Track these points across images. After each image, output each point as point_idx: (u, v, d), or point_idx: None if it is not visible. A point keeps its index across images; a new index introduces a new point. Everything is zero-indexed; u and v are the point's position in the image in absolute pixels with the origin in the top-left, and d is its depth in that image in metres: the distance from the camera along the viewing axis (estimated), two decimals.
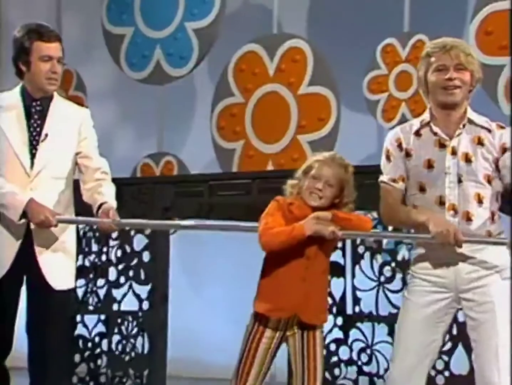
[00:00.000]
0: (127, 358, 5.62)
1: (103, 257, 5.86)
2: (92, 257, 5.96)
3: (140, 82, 7.93)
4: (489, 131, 3.62)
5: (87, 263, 6.03)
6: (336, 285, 5.57)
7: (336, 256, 5.37)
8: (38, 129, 4.19)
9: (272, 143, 7.19)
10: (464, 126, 3.63)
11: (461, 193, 3.58)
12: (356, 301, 5.45)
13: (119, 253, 5.76)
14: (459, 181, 3.58)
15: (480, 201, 3.57)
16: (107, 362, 5.85)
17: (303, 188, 3.82)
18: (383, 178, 3.69)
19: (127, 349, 5.62)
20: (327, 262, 3.85)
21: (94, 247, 5.95)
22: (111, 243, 5.89)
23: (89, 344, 6.27)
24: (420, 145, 3.65)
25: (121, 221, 4.08)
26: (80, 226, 6.06)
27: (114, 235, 5.90)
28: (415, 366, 3.58)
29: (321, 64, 7.04)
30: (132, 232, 5.73)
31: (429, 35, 6.70)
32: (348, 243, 5.39)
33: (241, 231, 4.18)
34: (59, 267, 4.15)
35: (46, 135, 4.17)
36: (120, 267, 5.78)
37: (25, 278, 4.17)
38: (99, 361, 6.21)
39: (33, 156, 4.16)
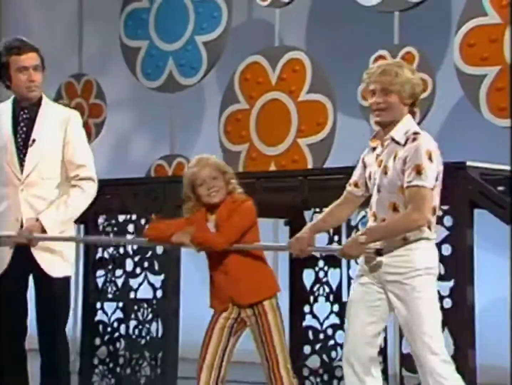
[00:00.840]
0: (143, 341, 5.62)
1: (121, 250, 5.87)
2: (110, 250, 5.97)
3: (154, 91, 7.94)
4: (403, 145, 3.61)
5: (106, 255, 6.04)
6: (333, 275, 5.57)
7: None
8: (25, 135, 4.20)
9: (274, 145, 7.20)
10: (388, 142, 3.65)
11: (379, 202, 3.64)
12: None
13: (135, 246, 5.76)
14: (378, 191, 3.64)
15: (395, 209, 3.59)
16: (125, 345, 5.86)
17: (202, 198, 3.93)
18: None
19: (143, 333, 5.63)
20: (243, 253, 3.93)
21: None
22: (128, 236, 5.90)
23: (109, 329, 6.28)
24: (369, 158, 3.74)
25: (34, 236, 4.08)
26: (100, 221, 6.08)
27: (131, 229, 5.91)
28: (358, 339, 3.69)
29: (319, 73, 7.05)
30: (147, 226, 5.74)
31: (417, 47, 6.71)
32: (344, 237, 5.40)
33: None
34: (54, 258, 4.17)
35: (34, 140, 4.18)
36: (136, 259, 5.79)
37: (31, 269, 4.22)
38: (117, 344, 6.22)
39: (22, 160, 4.17)
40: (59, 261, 4.19)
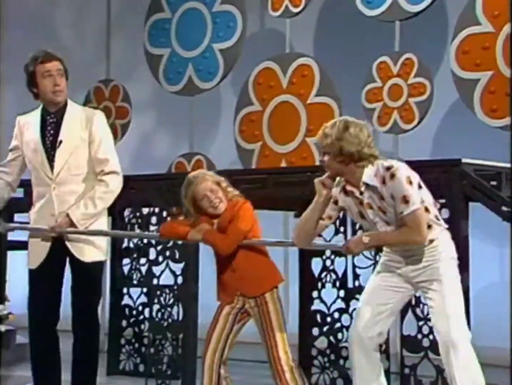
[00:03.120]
0: (165, 324, 5.61)
1: (145, 240, 5.85)
2: (135, 240, 5.96)
3: (175, 94, 7.92)
4: (383, 183, 3.56)
5: (131, 245, 6.03)
6: (339, 264, 5.55)
7: (339, 240, 5.35)
8: (53, 138, 4.21)
9: (285, 144, 7.17)
10: (363, 187, 3.61)
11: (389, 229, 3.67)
12: (356, 276, 5.42)
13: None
14: (387, 224, 3.64)
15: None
16: (148, 327, 5.85)
17: (207, 210, 3.92)
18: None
19: (165, 316, 5.61)
20: (248, 250, 3.93)
21: (137, 231, 5.95)
22: (151, 228, 5.88)
23: (134, 312, 6.27)
24: (345, 199, 3.71)
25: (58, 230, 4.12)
26: (126, 213, 6.06)
27: (154, 221, 5.90)
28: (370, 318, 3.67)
29: (326, 78, 7.01)
30: (169, 219, 5.72)
31: (416, 54, 6.66)
32: (349, 228, 5.37)
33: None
34: (84, 245, 4.19)
35: (61, 141, 4.19)
36: (159, 248, 5.77)
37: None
38: (142, 326, 6.22)
39: (52, 161, 4.19)
40: (90, 248, 4.21)
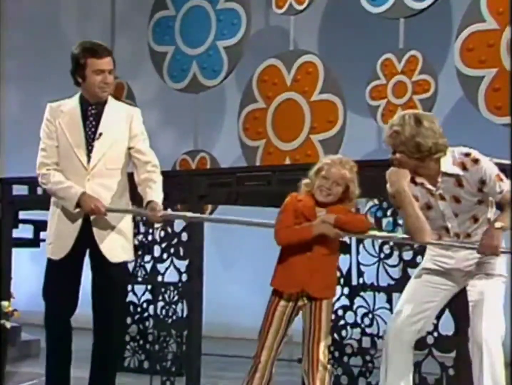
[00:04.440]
0: (169, 320, 5.60)
1: (149, 237, 5.84)
2: (140, 237, 5.94)
3: (179, 92, 7.92)
4: (464, 170, 3.54)
5: (136, 242, 6.01)
6: (343, 261, 5.52)
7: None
8: (93, 129, 4.16)
9: (289, 141, 7.16)
10: (441, 178, 3.57)
11: (460, 224, 3.62)
12: (360, 274, 5.40)
13: (162, 233, 5.73)
14: (456, 215, 3.61)
15: (476, 220, 3.59)
16: (153, 324, 5.84)
17: (315, 186, 3.80)
18: None
19: (170, 313, 5.60)
20: (332, 246, 3.83)
21: (142, 229, 5.94)
22: (156, 225, 5.87)
23: (138, 309, 6.26)
24: (415, 190, 3.64)
25: (166, 213, 4.10)
26: None
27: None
28: (411, 315, 3.62)
29: (330, 75, 7.00)
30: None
31: (420, 51, 6.65)
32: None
33: (238, 224, 4.21)
34: (114, 244, 4.15)
35: (100, 134, 4.14)
36: (163, 245, 5.75)
37: (88, 252, 4.19)
38: (147, 323, 6.21)
39: (89, 152, 4.13)
40: (121, 247, 4.17)
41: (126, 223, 4.22)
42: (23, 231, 6.30)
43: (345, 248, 5.32)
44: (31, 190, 6.06)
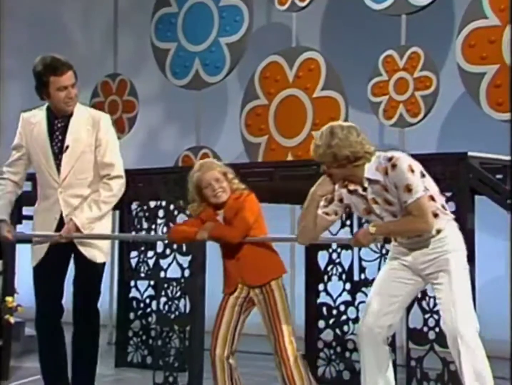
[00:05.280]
0: (172, 316, 5.61)
1: (152, 233, 5.86)
2: (143, 232, 5.97)
3: (182, 88, 7.91)
4: (385, 175, 3.57)
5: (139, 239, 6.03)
6: (345, 257, 5.54)
7: (345, 233, 5.35)
8: (60, 143, 4.21)
9: (291, 138, 7.16)
10: (367, 183, 3.62)
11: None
12: (362, 269, 5.42)
13: (165, 229, 5.74)
14: (394, 216, 3.65)
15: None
16: (156, 320, 5.85)
17: (209, 199, 3.97)
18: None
19: (172, 309, 5.61)
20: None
21: (145, 225, 5.95)
22: (159, 221, 5.88)
23: (141, 305, 6.29)
24: (349, 197, 3.72)
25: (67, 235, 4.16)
26: (133, 207, 6.06)
27: (161, 214, 5.89)
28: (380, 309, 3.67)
29: (332, 72, 7.00)
30: (176, 212, 5.73)
31: (422, 47, 6.64)
32: (355, 222, 5.36)
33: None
34: (94, 249, 4.25)
35: (67, 147, 4.19)
36: (166, 241, 5.77)
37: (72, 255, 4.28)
38: (149, 319, 6.23)
39: (58, 165, 4.20)
40: (98, 250, 4.28)
41: (103, 227, 4.29)
42: (27, 227, 6.30)
43: (347, 245, 5.33)
44: (34, 186, 6.06)
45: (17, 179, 4.33)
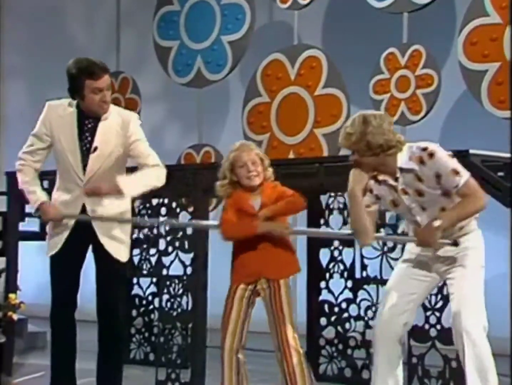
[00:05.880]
0: (174, 313, 5.61)
1: (154, 231, 5.86)
2: (145, 230, 5.97)
3: (184, 86, 7.91)
4: (421, 164, 3.55)
5: (141, 236, 6.03)
6: (347, 254, 5.54)
7: (347, 230, 5.33)
8: (88, 144, 4.15)
9: (293, 135, 7.16)
10: (399, 174, 3.60)
11: (429, 215, 3.61)
12: (364, 267, 5.42)
13: (167, 227, 5.74)
14: (423, 209, 3.63)
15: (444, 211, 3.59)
16: (158, 317, 5.85)
17: (241, 179, 3.89)
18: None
19: (175, 306, 5.61)
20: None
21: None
22: (161, 219, 5.88)
23: (144, 302, 6.29)
24: (379, 189, 3.70)
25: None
26: (136, 204, 6.06)
27: (163, 212, 5.89)
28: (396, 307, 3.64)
29: (334, 70, 6.99)
30: (178, 210, 5.73)
31: (424, 45, 6.64)
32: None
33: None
34: (116, 241, 4.19)
35: (96, 148, 4.12)
36: (168, 238, 5.76)
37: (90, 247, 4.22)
38: (152, 316, 6.23)
39: (85, 165, 4.15)
40: (123, 246, 4.23)
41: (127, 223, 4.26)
42: (30, 224, 6.31)
43: (349, 241, 5.33)
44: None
45: (38, 166, 4.23)
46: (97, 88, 4.05)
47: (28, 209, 6.19)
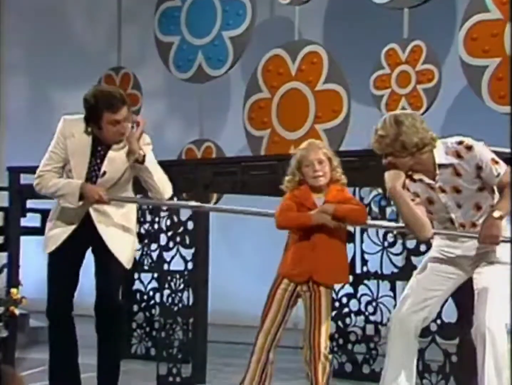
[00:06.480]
0: (175, 308, 5.61)
1: (155, 226, 5.85)
2: (146, 225, 5.96)
3: (185, 81, 7.91)
4: (459, 158, 3.54)
5: (142, 231, 6.02)
6: (347, 249, 5.52)
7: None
8: (97, 168, 4.09)
9: (294, 131, 7.16)
10: (437, 171, 3.58)
11: (463, 213, 3.61)
12: (364, 262, 5.41)
13: (168, 222, 5.74)
14: (459, 206, 3.61)
15: (479, 208, 3.59)
16: (159, 312, 5.85)
17: (307, 179, 3.83)
18: None
19: (176, 301, 5.61)
20: (339, 234, 3.84)
21: (148, 218, 5.95)
22: (162, 214, 5.87)
23: (145, 297, 6.29)
24: (415, 186, 3.67)
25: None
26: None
27: (164, 207, 5.89)
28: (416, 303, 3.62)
29: (335, 65, 6.99)
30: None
31: (424, 41, 6.63)
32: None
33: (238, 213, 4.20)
34: (120, 241, 4.15)
35: (104, 172, 4.08)
36: (169, 234, 5.76)
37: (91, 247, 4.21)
38: (153, 311, 6.23)
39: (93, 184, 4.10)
40: (128, 251, 4.18)
41: (132, 224, 4.23)
42: (31, 220, 6.31)
43: (349, 237, 5.33)
44: None
45: (57, 176, 4.14)
46: (115, 120, 3.98)
47: (29, 204, 6.21)
